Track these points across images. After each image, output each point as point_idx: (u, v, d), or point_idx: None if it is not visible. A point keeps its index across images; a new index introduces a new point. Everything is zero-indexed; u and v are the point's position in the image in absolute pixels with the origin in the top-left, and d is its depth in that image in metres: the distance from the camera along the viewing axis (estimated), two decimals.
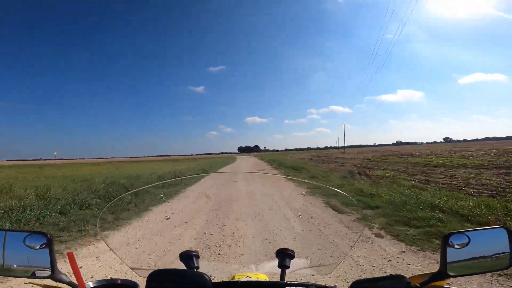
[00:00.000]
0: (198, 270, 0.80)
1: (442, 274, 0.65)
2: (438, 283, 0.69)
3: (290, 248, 0.90)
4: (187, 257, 0.83)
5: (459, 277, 0.67)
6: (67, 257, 0.73)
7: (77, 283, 0.67)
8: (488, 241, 0.69)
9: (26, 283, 0.75)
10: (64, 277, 0.67)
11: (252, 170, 18.42)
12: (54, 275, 0.66)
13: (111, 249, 0.96)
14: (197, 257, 0.84)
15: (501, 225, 0.72)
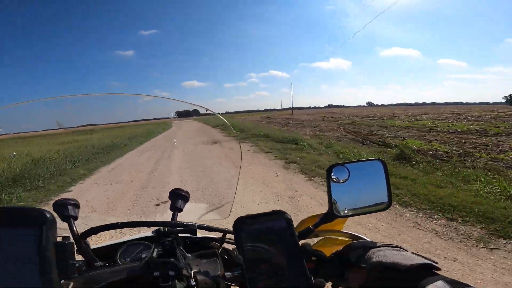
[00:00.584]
0: (75, 222, 0.70)
1: (331, 215, 0.66)
2: (329, 225, 0.69)
3: (186, 190, 0.83)
4: (61, 206, 0.71)
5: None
6: None
7: None
8: (366, 174, 0.69)
9: None
10: None
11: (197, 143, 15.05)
12: None
13: None
14: (76, 206, 0.72)
15: (377, 158, 0.72)
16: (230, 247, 0.76)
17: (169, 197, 0.83)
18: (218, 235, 0.78)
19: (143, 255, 0.70)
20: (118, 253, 0.71)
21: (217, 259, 0.65)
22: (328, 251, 0.63)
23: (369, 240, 0.64)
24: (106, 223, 0.69)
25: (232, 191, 1.01)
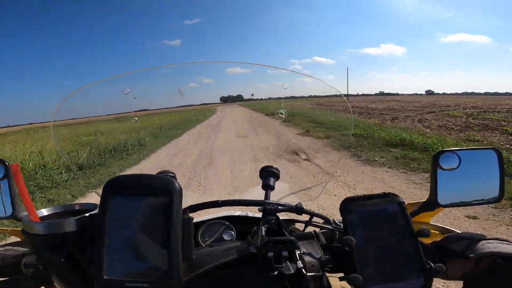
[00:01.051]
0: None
1: (433, 204, 0.62)
2: (428, 214, 0.67)
3: (275, 166, 0.82)
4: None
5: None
6: None
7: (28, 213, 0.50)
8: (478, 164, 0.63)
9: None
10: (25, 215, 0.50)
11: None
12: (15, 213, 0.54)
13: None
14: (174, 178, 0.71)
15: (491, 146, 0.67)
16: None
17: (260, 176, 0.81)
18: (297, 217, 0.73)
19: (225, 236, 0.69)
20: (199, 233, 0.70)
21: (314, 241, 0.61)
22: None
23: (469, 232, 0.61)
24: (205, 201, 0.69)
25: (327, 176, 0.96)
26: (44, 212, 0.56)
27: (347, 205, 0.55)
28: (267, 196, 0.77)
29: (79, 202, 0.61)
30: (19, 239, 0.65)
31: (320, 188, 0.95)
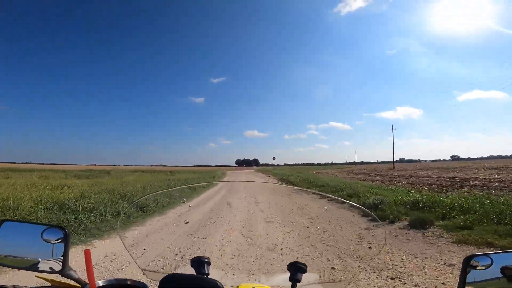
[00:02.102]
0: (208, 277, 0.78)
1: None
2: None
3: (302, 262, 0.88)
4: (198, 263, 0.83)
5: None
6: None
7: (87, 281, 0.66)
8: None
9: (35, 276, 0.73)
10: (73, 273, 0.68)
11: None
12: (64, 270, 0.67)
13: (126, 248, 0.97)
14: (208, 263, 0.84)
15: None
16: None
17: (288, 269, 0.87)
18: None
19: None
20: None
21: None
22: None
23: None
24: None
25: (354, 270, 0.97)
26: (100, 282, 0.71)
27: None
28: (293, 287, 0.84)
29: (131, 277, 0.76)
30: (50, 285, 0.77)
31: (346, 282, 0.98)
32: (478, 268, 0.67)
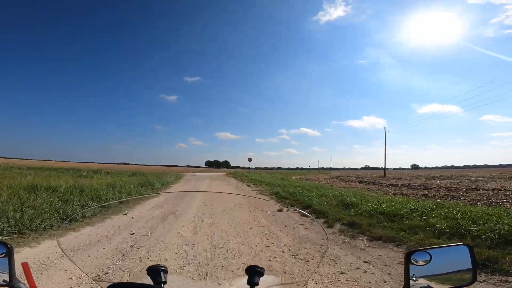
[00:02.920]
0: (165, 286, 0.78)
1: None
2: None
3: (260, 266, 0.90)
4: (155, 271, 0.82)
5: None
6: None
7: None
8: (450, 258, 0.71)
9: None
10: (22, 285, 0.68)
11: None
12: (12, 283, 0.67)
13: (66, 256, 0.96)
14: (165, 271, 0.83)
15: (462, 243, 0.77)
16: None
17: (246, 272, 0.89)
18: None
19: None
20: None
21: None
22: None
23: None
24: None
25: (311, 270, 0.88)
26: None
27: None
28: None
29: None
30: None
31: (302, 282, 1.02)
32: (419, 263, 0.69)
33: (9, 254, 0.70)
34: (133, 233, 3.83)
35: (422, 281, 0.68)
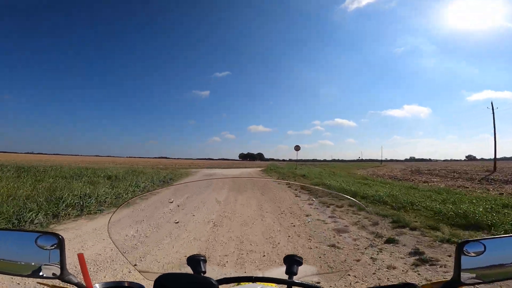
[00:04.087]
0: (204, 275, 0.79)
1: (455, 283, 0.65)
2: None
3: (298, 255, 0.90)
4: (194, 261, 0.84)
5: (473, 286, 0.65)
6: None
7: (85, 284, 0.67)
8: (505, 250, 0.68)
9: (37, 284, 0.74)
10: (72, 278, 0.69)
11: None
12: (63, 276, 0.68)
13: (118, 249, 0.94)
14: (204, 261, 0.85)
15: None
16: None
17: (284, 262, 0.89)
18: None
19: None
20: None
21: None
22: None
23: None
24: (238, 275, 0.78)
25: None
26: (97, 286, 0.71)
27: None
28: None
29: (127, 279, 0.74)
30: None
31: (342, 273, 0.99)
32: (471, 254, 0.66)
33: (60, 246, 0.70)
34: (177, 222, 3.75)
35: (474, 273, 0.66)
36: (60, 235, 0.70)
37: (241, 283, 0.82)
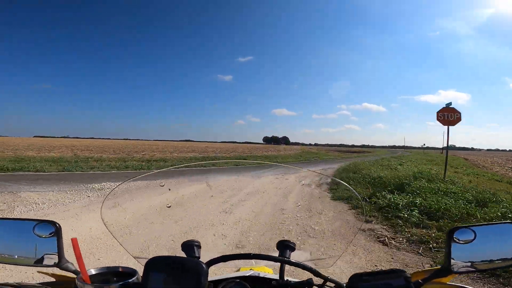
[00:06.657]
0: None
1: (445, 271, 0.65)
2: (442, 280, 0.69)
3: (291, 240, 0.89)
4: (189, 246, 0.84)
5: (464, 274, 0.65)
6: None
7: (79, 270, 0.67)
8: (495, 237, 0.67)
9: (36, 272, 0.75)
10: (70, 265, 0.70)
11: None
12: (61, 263, 0.69)
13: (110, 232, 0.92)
14: (199, 247, 0.85)
15: (509, 220, 0.70)
16: None
17: (277, 247, 0.88)
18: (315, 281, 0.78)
19: None
20: None
21: None
22: None
23: None
24: (237, 253, 0.78)
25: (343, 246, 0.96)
26: (93, 271, 0.72)
27: (354, 280, 0.62)
28: (282, 268, 0.84)
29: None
30: (54, 280, 0.79)
31: (334, 258, 0.99)
32: (461, 241, 0.66)
33: (57, 234, 0.69)
34: (169, 206, 3.81)
35: (465, 260, 0.65)
36: (57, 223, 0.71)
37: (241, 269, 0.82)
